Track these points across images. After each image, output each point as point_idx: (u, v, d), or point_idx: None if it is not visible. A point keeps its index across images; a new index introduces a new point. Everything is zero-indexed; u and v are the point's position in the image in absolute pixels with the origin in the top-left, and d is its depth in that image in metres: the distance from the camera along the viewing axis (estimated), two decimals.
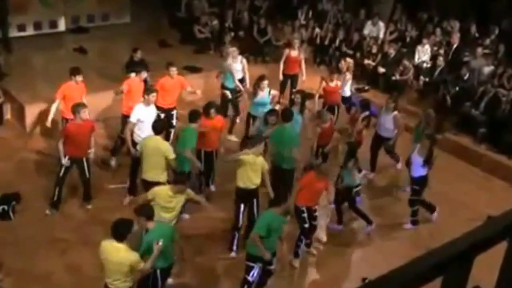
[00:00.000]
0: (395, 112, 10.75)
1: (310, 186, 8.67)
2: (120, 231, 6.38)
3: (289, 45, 13.91)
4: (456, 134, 12.89)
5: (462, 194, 11.19)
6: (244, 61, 12.86)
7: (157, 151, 8.76)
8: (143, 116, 9.70)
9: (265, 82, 11.33)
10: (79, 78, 10.51)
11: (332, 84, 12.24)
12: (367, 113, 11.02)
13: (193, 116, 9.44)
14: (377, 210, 10.53)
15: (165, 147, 8.85)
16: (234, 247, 8.96)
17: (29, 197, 9.89)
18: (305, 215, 8.79)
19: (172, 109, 11.40)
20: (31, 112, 12.10)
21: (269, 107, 11.11)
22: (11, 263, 8.36)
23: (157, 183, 8.44)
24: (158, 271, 7.13)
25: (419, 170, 9.77)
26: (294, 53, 13.48)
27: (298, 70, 13.59)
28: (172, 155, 8.77)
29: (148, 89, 10.15)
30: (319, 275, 9.03)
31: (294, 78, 13.66)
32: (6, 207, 9.49)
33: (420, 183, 9.90)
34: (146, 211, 7.08)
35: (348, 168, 9.66)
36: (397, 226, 10.21)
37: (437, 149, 10.34)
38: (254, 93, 11.38)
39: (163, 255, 6.89)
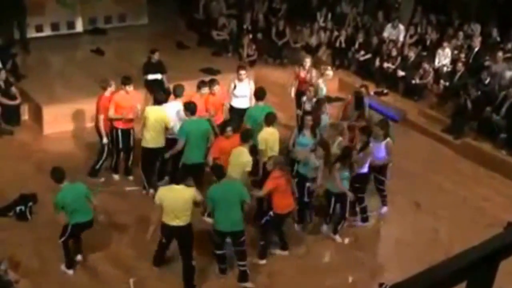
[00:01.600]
0: (388, 139, 9.85)
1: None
2: (185, 180, 8.11)
3: (300, 65, 12.63)
4: (476, 139, 12.70)
5: (481, 200, 11.06)
6: (252, 84, 11.56)
7: (159, 119, 9.75)
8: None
9: (309, 118, 9.94)
10: (130, 87, 10.28)
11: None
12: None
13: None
14: (396, 216, 10.43)
15: (166, 115, 9.85)
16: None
17: (45, 198, 9.83)
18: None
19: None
20: (49, 113, 12.10)
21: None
22: (27, 264, 8.39)
23: (157, 149, 9.92)
24: (70, 226, 8.09)
25: (363, 167, 9.58)
26: (303, 73, 12.45)
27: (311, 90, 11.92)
28: (170, 123, 9.85)
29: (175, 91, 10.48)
30: (335, 281, 8.89)
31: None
32: (23, 208, 9.49)
33: (361, 181, 9.70)
34: (55, 175, 8.12)
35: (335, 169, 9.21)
36: (415, 232, 10.07)
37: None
38: (301, 131, 9.92)
39: (79, 212, 8.10)
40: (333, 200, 9.34)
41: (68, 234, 8.15)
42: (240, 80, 11.31)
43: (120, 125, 10.27)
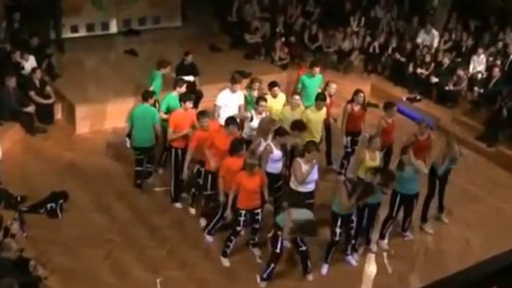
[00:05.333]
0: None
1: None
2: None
3: (352, 100, 10.90)
4: (511, 148, 12.45)
5: None
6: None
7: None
8: (227, 101, 10.37)
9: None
10: (189, 104, 9.73)
11: (390, 121, 10.50)
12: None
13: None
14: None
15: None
16: None
17: (76, 196, 9.97)
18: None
19: None
20: (81, 112, 12.22)
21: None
22: (57, 261, 8.45)
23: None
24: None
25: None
26: (357, 109, 10.87)
27: (361, 127, 11.04)
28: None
29: (234, 78, 10.58)
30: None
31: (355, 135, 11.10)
32: (54, 205, 9.58)
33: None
34: (144, 94, 10.07)
35: None
36: (446, 240, 9.95)
37: None
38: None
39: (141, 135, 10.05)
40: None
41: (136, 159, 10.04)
42: (233, 91, 10.52)
43: (177, 145, 9.72)
